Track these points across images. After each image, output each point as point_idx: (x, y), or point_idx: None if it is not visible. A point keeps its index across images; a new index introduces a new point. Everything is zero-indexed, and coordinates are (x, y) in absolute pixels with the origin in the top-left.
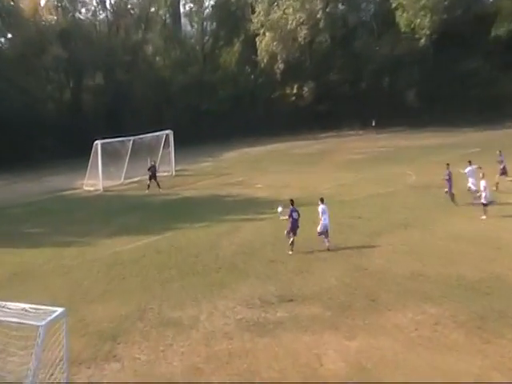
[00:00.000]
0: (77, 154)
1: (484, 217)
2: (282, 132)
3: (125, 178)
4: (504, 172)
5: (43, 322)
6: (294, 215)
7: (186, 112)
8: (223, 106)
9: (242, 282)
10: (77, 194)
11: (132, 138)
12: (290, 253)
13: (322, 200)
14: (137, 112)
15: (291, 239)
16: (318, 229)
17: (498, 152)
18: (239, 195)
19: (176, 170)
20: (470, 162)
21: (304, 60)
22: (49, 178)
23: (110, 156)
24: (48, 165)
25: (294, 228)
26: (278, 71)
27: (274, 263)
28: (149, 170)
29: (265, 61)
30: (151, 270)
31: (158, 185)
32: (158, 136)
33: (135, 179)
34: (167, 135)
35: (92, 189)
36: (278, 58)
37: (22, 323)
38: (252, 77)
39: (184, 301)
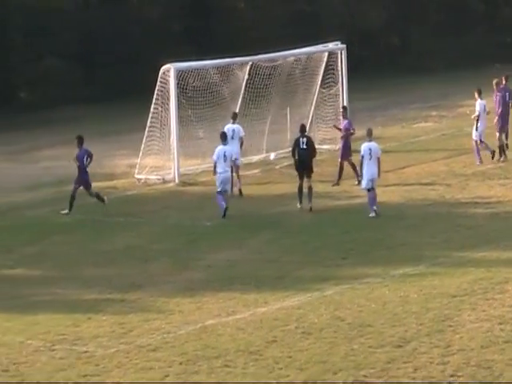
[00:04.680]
0: (117, 97)
1: None
2: None
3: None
4: None
5: None
6: None
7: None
8: None
9: None
10: (116, 190)
11: (250, 58)
12: None
13: None
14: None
15: None
16: None
17: None
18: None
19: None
20: None
21: None
22: (51, 152)
23: (198, 102)
24: (50, 118)
25: None
26: None
27: None
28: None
29: None
30: (291, 375)
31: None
32: (310, 56)
33: (257, 157)
34: (331, 55)
35: (155, 178)
36: None
37: None
38: None
39: None
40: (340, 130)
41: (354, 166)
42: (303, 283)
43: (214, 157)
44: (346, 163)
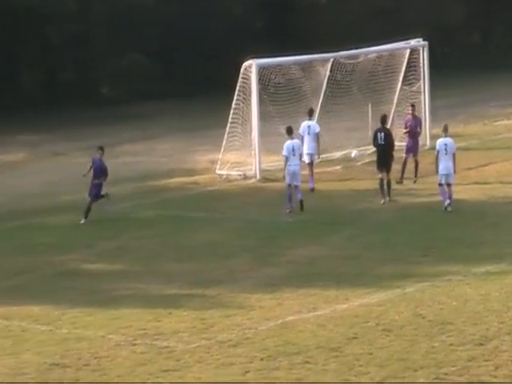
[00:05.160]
0: (198, 93)
1: None
2: None
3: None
4: None
5: None
6: None
7: None
8: None
9: None
10: (198, 186)
11: (332, 54)
12: None
13: None
14: None
15: None
16: None
17: None
18: None
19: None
20: None
21: None
22: (131, 147)
23: (280, 98)
24: (131, 113)
25: None
26: None
27: None
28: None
29: None
30: (371, 372)
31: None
32: (392, 53)
33: (339, 154)
34: (413, 52)
35: (236, 174)
36: None
37: None
38: None
39: None
40: (409, 132)
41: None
42: (384, 280)
43: (285, 152)
44: (410, 159)
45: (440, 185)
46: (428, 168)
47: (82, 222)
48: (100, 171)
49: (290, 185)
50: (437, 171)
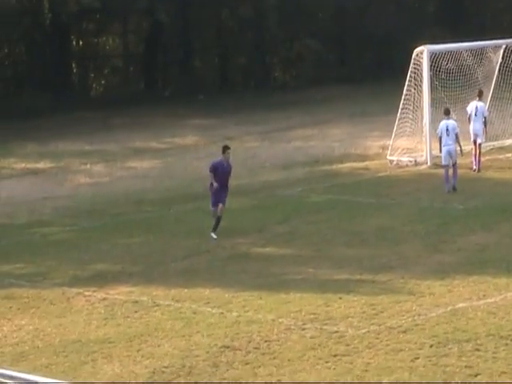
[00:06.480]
0: (370, 78)
1: None
2: None
3: (486, 138)
4: None
5: None
6: None
7: None
8: None
9: None
10: (368, 171)
11: (504, 41)
12: None
13: None
14: None
15: None
16: None
17: None
18: None
19: None
20: None
21: None
22: (303, 132)
23: (451, 85)
24: (304, 98)
25: None
26: None
27: None
28: None
29: None
30: None
31: None
32: None
33: (511, 141)
34: None
35: (407, 160)
36: None
37: None
38: None
39: None
40: None
41: None
42: None
43: (438, 132)
44: None
45: None
46: None
47: (214, 237)
48: (225, 178)
49: (447, 165)
50: None
